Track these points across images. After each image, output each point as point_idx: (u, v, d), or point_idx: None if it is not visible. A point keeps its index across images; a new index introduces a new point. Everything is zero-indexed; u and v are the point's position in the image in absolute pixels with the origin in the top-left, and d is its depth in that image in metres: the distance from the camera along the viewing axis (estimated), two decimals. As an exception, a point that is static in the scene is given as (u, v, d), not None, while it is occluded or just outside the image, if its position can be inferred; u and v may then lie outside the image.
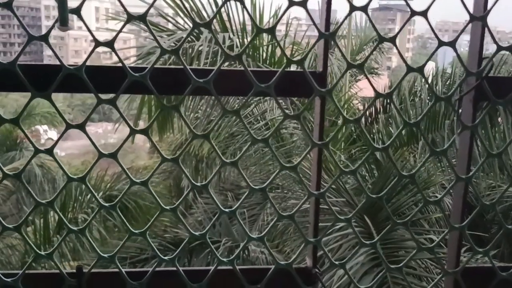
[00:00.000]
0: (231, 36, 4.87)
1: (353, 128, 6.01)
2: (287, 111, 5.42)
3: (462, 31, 1.23)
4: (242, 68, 1.19)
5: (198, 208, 6.27)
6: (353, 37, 7.43)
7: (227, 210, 1.30)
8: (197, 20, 4.87)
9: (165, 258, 1.27)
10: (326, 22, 1.30)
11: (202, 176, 7.79)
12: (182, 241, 5.02)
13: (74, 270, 1.28)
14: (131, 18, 1.14)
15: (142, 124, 5.96)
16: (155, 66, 1.18)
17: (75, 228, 1.29)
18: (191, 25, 4.87)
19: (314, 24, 1.23)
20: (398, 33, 1.35)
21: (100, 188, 6.04)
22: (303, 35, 6.17)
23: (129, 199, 5.70)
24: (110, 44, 1.13)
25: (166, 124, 5.17)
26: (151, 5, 1.19)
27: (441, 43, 1.21)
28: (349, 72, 6.66)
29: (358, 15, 7.82)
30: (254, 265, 4.74)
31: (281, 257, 4.75)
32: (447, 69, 6.51)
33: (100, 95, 1.16)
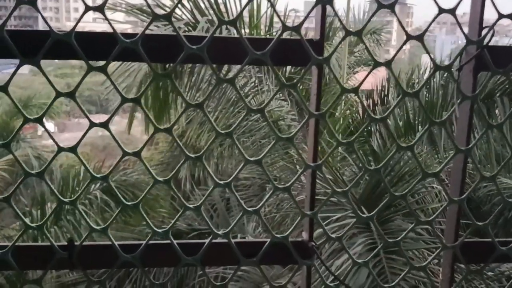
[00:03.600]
0: (228, 26, 4.86)
1: (350, 120, 6.00)
2: (285, 103, 5.42)
3: None
4: (237, 36, 1.16)
5: (196, 200, 6.28)
6: (351, 29, 7.40)
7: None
8: (194, 10, 4.85)
9: (159, 230, 1.24)
10: None
11: (200, 168, 7.79)
12: (180, 232, 5.03)
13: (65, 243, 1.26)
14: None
15: (138, 116, 5.95)
16: (147, 33, 1.14)
17: (66, 200, 1.26)
18: (188, 15, 4.85)
19: None
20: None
21: (98, 179, 6.02)
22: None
23: (127, 190, 5.70)
24: (100, 8, 1.10)
25: (163, 115, 5.16)
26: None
27: (441, 10, 1.18)
28: (347, 64, 6.64)
29: (356, 7, 7.79)
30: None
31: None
32: (444, 61, 6.50)
33: (90, 62, 1.13)
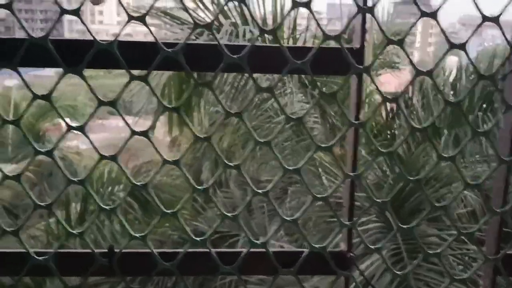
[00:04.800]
0: (251, 29, 4.86)
1: (373, 123, 5.94)
2: (307, 105, 5.39)
3: None
4: (276, 45, 1.16)
5: (217, 202, 6.27)
6: (374, 31, 7.35)
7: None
8: (216, 10, 4.87)
9: (198, 239, 1.25)
10: None
11: (226, 172, 7.81)
12: (202, 234, 5.03)
13: (106, 250, 1.28)
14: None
15: (162, 119, 5.99)
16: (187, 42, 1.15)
17: (107, 208, 1.28)
18: (212, 18, 4.87)
19: None
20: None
21: (122, 181, 6.09)
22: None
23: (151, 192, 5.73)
24: (142, 19, 1.12)
25: (187, 117, 5.19)
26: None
27: (485, 18, 1.15)
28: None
29: (380, 9, 7.72)
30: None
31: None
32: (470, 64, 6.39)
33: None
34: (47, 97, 1.17)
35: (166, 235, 5.10)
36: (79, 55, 1.12)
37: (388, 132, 5.80)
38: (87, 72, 1.16)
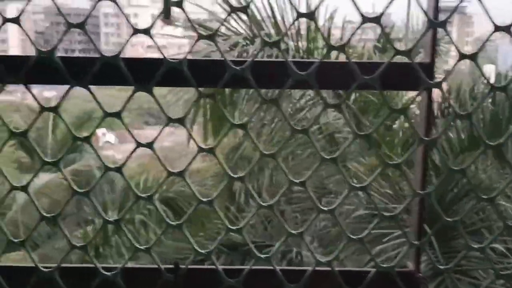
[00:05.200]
0: (285, 39, 4.87)
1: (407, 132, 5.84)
2: (341, 115, 5.34)
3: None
4: (344, 61, 1.16)
5: (250, 212, 6.28)
6: (410, 40, 7.26)
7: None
8: (252, 25, 4.90)
9: (262, 256, 1.26)
10: (435, 10, 1.25)
11: (254, 178, 7.80)
12: (236, 244, 5.04)
13: (171, 266, 1.30)
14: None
15: (196, 129, 6.05)
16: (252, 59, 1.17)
17: (173, 223, 1.29)
18: (247, 30, 4.90)
19: (424, 11, 1.18)
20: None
21: (157, 191, 6.16)
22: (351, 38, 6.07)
23: (184, 201, 5.79)
24: (212, 38, 1.16)
25: (222, 126, 5.22)
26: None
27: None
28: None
29: (414, 17, 7.63)
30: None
31: (336, 262, 4.67)
32: (508, 71, 6.23)
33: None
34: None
35: (200, 244, 5.11)
36: (148, 73, 1.15)
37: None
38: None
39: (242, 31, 5.01)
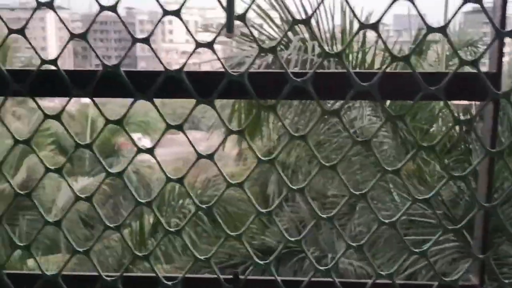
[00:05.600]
0: (321, 44, 4.83)
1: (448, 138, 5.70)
2: (376, 119, 5.27)
3: None
4: (408, 71, 1.15)
5: (284, 216, 6.25)
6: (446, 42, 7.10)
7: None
8: (284, 26, 4.88)
9: (322, 268, 1.24)
10: (502, 19, 1.22)
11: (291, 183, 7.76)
12: (270, 249, 5.02)
13: (231, 276, 1.31)
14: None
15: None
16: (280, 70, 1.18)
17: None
18: (280, 34, 4.89)
19: (491, 21, 1.15)
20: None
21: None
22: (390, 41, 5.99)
23: (219, 205, 5.82)
24: (273, 50, 1.17)
25: (256, 131, 5.22)
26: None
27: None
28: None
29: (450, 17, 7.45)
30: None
31: (370, 270, 4.60)
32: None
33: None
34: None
35: (235, 248, 5.13)
36: (208, 86, 1.19)
37: (463, 146, 5.56)
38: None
39: (277, 36, 5.00)
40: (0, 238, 7.01)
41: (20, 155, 8.54)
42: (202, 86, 1.20)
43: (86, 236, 7.75)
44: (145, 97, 1.20)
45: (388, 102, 4.97)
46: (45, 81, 1.27)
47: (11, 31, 1.20)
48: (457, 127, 5.05)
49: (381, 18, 1.18)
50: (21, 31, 1.22)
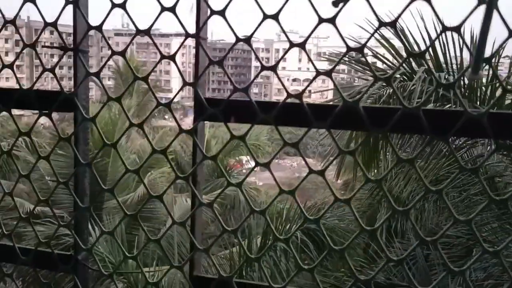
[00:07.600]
0: (447, 75, 4.59)
1: None
2: (503, 157, 4.87)
3: None
4: None
5: (391, 253, 5.98)
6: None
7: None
8: (410, 58, 4.71)
9: None
10: None
11: (399, 218, 7.44)
12: (379, 285, 4.81)
13: None
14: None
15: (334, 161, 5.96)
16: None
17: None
18: (406, 65, 4.71)
19: None
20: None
21: (295, 220, 6.19)
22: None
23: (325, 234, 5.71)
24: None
25: (372, 161, 5.08)
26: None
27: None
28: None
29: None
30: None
31: None
32: None
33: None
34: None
35: (340, 280, 4.99)
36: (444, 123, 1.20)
37: None
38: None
39: (396, 63, 4.85)
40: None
41: (143, 170, 9.15)
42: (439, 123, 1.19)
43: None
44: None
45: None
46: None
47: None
48: None
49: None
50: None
